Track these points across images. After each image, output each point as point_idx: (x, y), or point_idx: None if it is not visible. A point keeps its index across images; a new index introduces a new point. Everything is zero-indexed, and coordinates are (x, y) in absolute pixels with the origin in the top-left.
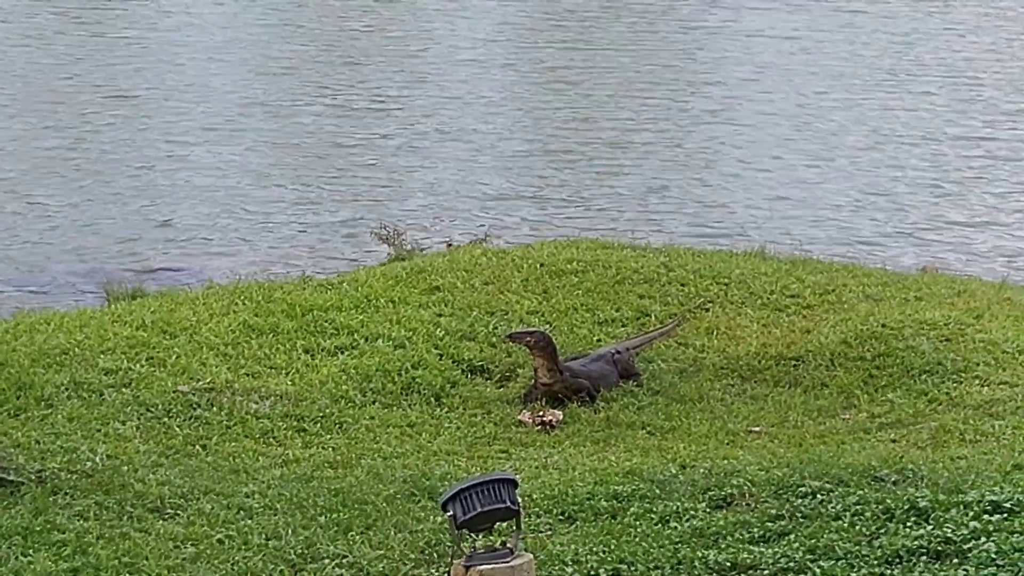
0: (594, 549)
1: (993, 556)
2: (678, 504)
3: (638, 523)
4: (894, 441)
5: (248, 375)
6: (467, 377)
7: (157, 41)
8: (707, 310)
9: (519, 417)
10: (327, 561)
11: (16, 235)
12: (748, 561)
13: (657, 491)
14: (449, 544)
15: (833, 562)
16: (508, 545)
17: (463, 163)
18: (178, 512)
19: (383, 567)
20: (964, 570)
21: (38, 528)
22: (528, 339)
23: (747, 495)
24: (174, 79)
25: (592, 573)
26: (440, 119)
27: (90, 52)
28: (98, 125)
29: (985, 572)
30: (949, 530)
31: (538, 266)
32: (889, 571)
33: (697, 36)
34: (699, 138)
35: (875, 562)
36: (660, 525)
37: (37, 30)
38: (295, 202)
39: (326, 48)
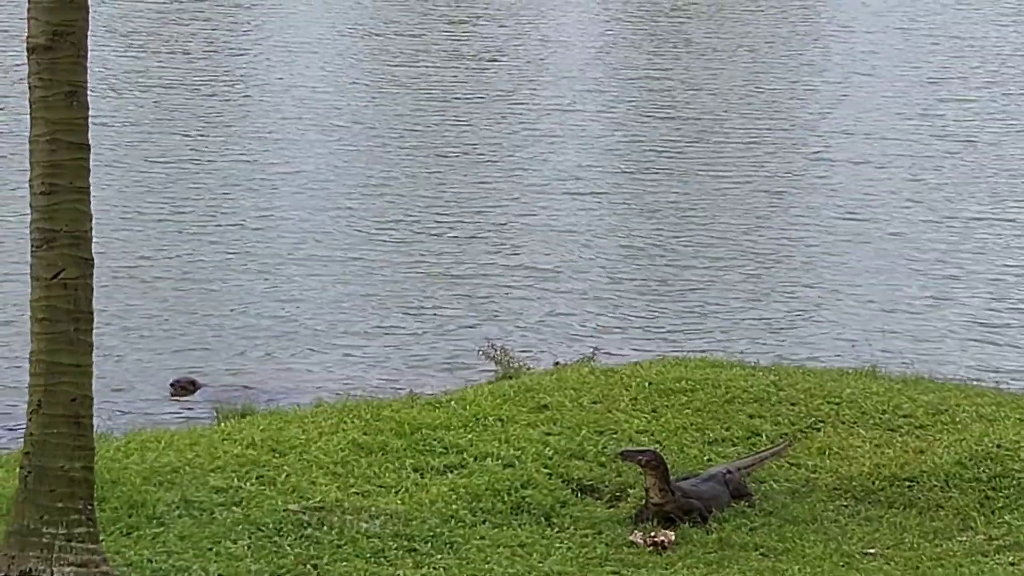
0: None
1: None
2: None
3: None
4: (1012, 564)
5: (358, 494)
6: (577, 496)
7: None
8: (818, 430)
9: (631, 538)
10: None
11: (131, 349)
12: None
13: None
14: None
15: None
16: None
17: (567, 277)
18: None
19: None
20: None
21: None
22: (640, 458)
23: None
24: (268, 202)
25: None
26: (542, 226)
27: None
28: (206, 235)
29: None
30: None
31: (647, 385)
32: None
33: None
34: (806, 251)
35: None
36: None
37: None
38: (399, 318)
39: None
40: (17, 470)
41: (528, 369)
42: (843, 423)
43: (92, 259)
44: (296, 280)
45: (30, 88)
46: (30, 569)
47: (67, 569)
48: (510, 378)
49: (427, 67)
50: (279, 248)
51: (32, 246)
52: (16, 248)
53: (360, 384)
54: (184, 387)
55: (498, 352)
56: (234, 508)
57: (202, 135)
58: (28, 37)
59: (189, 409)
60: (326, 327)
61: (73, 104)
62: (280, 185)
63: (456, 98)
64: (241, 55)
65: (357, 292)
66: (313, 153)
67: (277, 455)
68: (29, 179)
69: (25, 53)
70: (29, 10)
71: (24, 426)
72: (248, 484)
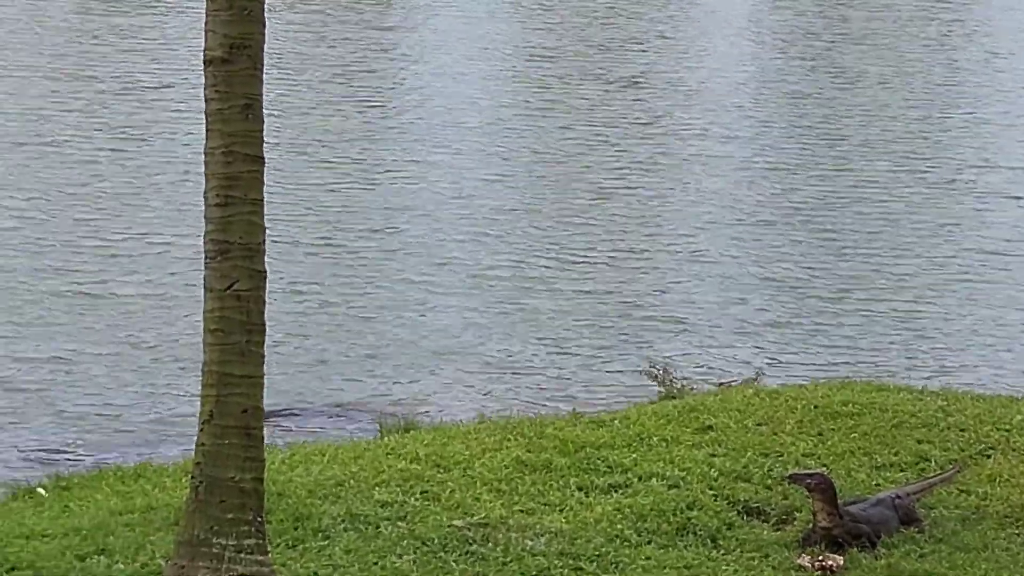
0: None
1: None
2: None
3: None
4: None
5: (522, 511)
6: (743, 519)
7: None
8: (988, 456)
9: (798, 561)
10: None
11: (288, 363)
12: None
13: None
14: None
15: None
16: None
17: (727, 300)
18: None
19: None
20: None
21: None
22: (809, 481)
23: None
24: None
25: None
26: (706, 244)
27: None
28: (362, 253)
29: None
30: None
31: (812, 408)
32: None
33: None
34: (961, 280)
35: None
36: None
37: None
38: (560, 338)
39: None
40: (187, 480)
41: (691, 389)
42: (1014, 450)
43: (265, 271)
44: (454, 298)
45: (206, 100)
46: None
47: None
48: (673, 398)
49: (576, 90)
50: (436, 266)
51: (206, 257)
52: (190, 260)
53: (521, 402)
54: None
55: (661, 372)
56: (399, 523)
57: (355, 156)
58: (205, 49)
59: (351, 424)
60: (485, 345)
61: (249, 116)
62: (434, 207)
63: (604, 122)
64: (391, 78)
65: (517, 312)
66: (465, 176)
67: (441, 471)
68: (204, 191)
69: (202, 66)
70: (207, 23)
71: (195, 437)
72: (412, 499)
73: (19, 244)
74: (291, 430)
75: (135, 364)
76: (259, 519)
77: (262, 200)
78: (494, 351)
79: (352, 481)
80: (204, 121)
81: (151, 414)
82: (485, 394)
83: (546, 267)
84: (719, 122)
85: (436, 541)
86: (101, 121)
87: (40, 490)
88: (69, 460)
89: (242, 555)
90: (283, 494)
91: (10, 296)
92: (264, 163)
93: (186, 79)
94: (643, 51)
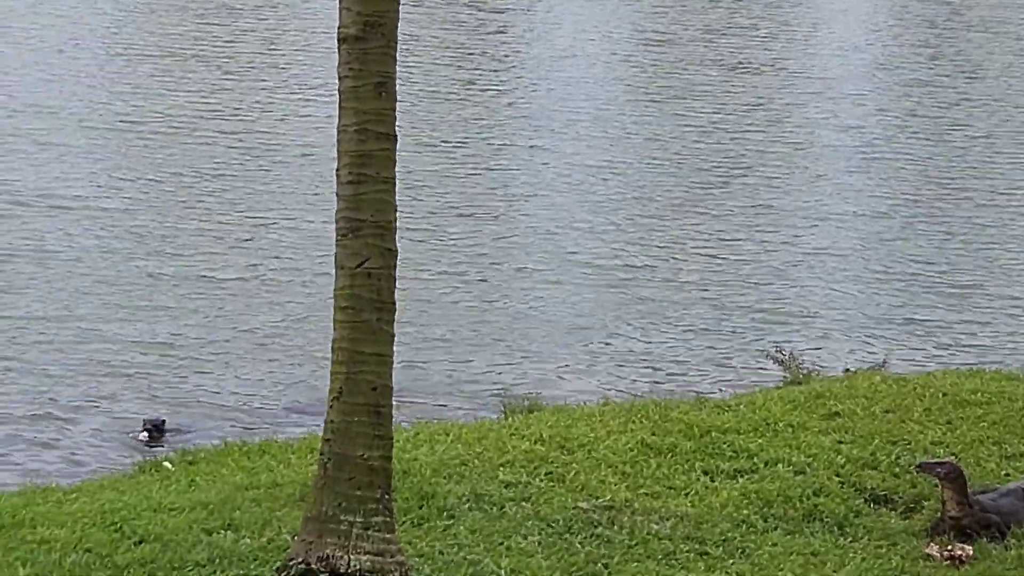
0: None
1: None
2: None
3: None
4: None
5: (647, 495)
6: (870, 507)
7: None
8: None
9: (926, 550)
10: None
11: (411, 342)
12: None
13: None
14: None
15: None
16: None
17: (853, 287)
18: None
19: None
20: None
21: None
22: (939, 470)
23: None
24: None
25: None
26: (825, 234)
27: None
28: (486, 236)
29: None
30: None
31: (941, 395)
32: None
33: None
34: None
35: None
36: None
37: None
38: (685, 322)
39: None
40: (313, 457)
41: (817, 375)
42: None
43: (396, 249)
44: (575, 284)
45: (340, 78)
46: (327, 555)
47: (363, 557)
48: (799, 383)
49: (692, 76)
50: (556, 252)
51: (337, 235)
52: (320, 238)
53: (643, 385)
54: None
55: (787, 357)
56: (523, 503)
57: (470, 139)
58: (339, 27)
59: (475, 404)
60: (607, 329)
61: (382, 95)
62: (552, 192)
63: (721, 108)
64: (505, 61)
65: (637, 299)
66: (582, 161)
67: (565, 452)
68: (336, 168)
69: (336, 44)
70: (341, 0)
71: (324, 413)
72: (537, 480)
73: (131, 227)
74: (416, 409)
75: (253, 345)
76: (387, 497)
77: (394, 179)
78: (616, 335)
79: (476, 461)
80: (337, 100)
81: (275, 395)
82: (607, 378)
83: (664, 255)
84: (837, 111)
85: (561, 523)
86: (215, 101)
87: (167, 464)
88: (192, 436)
89: (369, 532)
90: (408, 472)
91: (126, 279)
92: (396, 141)
93: (301, 59)
94: (762, 38)
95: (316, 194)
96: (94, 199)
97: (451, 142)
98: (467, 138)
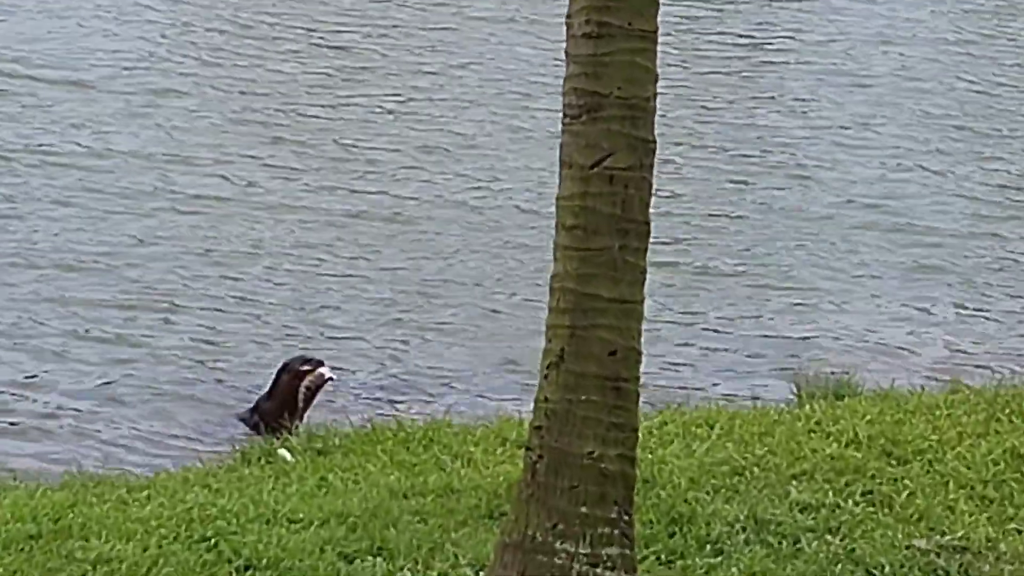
0: None
1: None
2: None
3: None
4: None
5: (1020, 532)
6: None
7: None
8: None
9: None
10: None
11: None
12: None
13: None
14: None
15: None
16: None
17: None
18: None
19: None
20: None
21: None
22: None
23: None
24: None
25: None
26: None
27: None
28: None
29: None
30: None
31: None
32: None
33: None
34: None
35: None
36: None
37: None
38: None
39: None
40: (509, 451)
41: None
42: None
43: (654, 141)
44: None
45: None
46: None
47: None
48: None
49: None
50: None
51: (564, 116)
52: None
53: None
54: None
55: None
56: (828, 537)
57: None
58: None
59: (752, 382)
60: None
61: None
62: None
63: None
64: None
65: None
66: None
67: (893, 462)
68: (566, 16)
69: None
70: None
71: (532, 388)
72: (850, 502)
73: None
74: (662, 386)
75: (413, 289)
76: (626, 517)
77: (654, 36)
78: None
79: (757, 469)
80: None
81: (447, 356)
82: (948, 352)
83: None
84: None
85: (887, 569)
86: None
87: (283, 453)
88: (321, 412)
89: (599, 570)
90: (652, 481)
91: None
92: None
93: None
94: None
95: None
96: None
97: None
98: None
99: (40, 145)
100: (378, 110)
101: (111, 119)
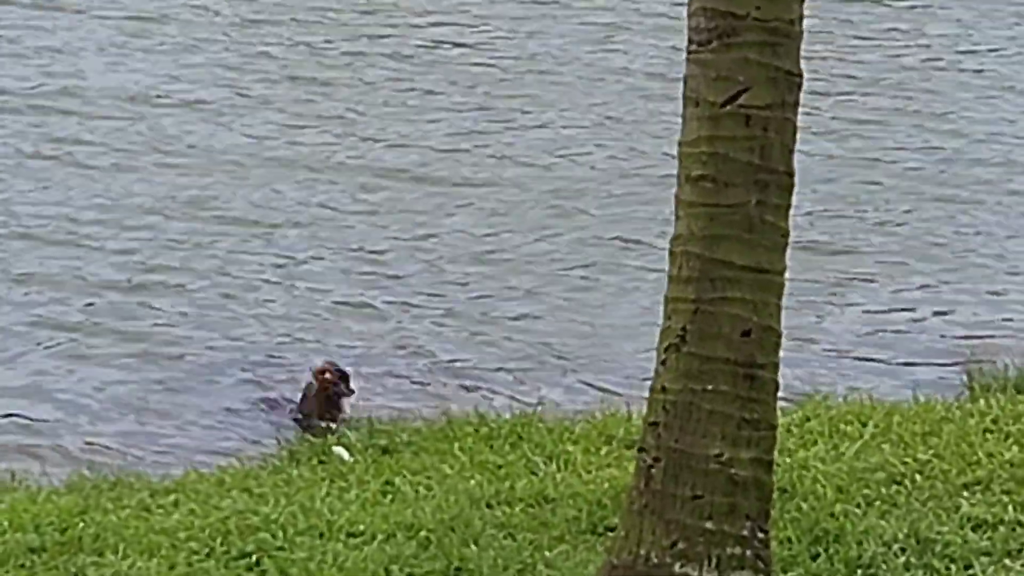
0: None
1: None
2: None
3: None
4: None
5: None
6: None
7: None
8: None
9: None
10: None
11: None
12: None
13: None
14: None
15: None
16: None
17: None
18: None
19: None
20: None
21: None
22: None
23: None
24: None
25: None
26: None
27: None
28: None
29: None
30: None
31: None
32: None
33: None
34: None
35: None
36: None
37: None
38: None
39: None
40: (614, 450)
41: None
42: None
43: (800, 75)
44: None
45: None
46: None
47: None
48: None
49: None
50: None
51: (690, 43)
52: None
53: None
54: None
55: None
56: (1008, 562)
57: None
58: None
59: (909, 369)
60: None
61: None
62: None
63: None
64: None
65: None
66: None
67: None
68: None
69: None
70: None
71: (641, 374)
72: None
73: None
74: (802, 372)
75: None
76: (760, 534)
77: None
78: None
79: (919, 477)
80: None
81: (539, 336)
82: None
83: None
84: None
85: None
86: None
87: (340, 451)
88: (381, 403)
89: None
90: (791, 491)
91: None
92: None
93: None
94: None
95: None
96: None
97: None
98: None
99: None
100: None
101: None
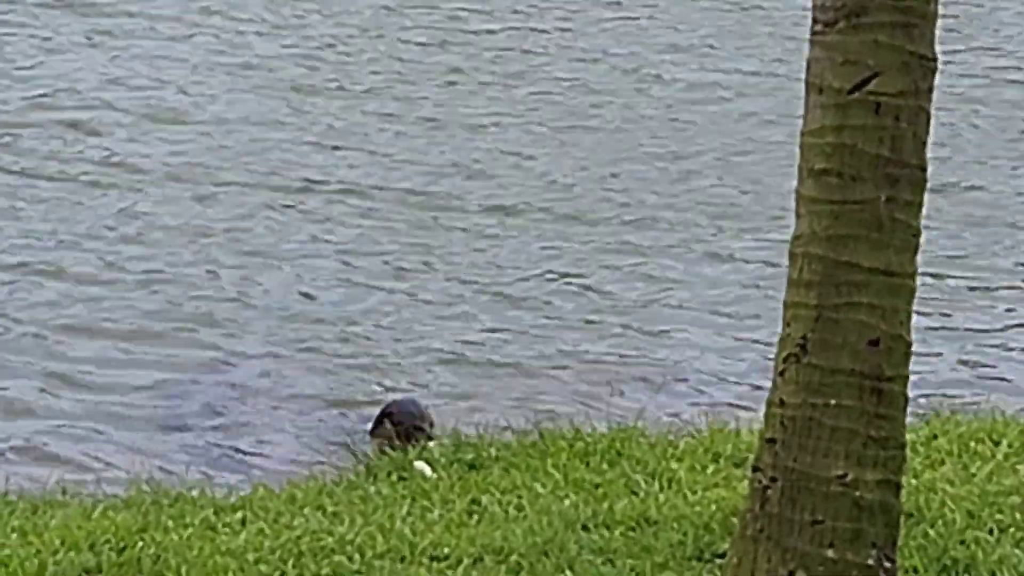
0: None
1: None
2: None
3: None
4: None
5: None
6: None
7: None
8: None
9: None
10: None
11: None
12: None
13: None
14: None
15: None
16: None
17: None
18: None
19: None
20: None
21: None
22: None
23: None
24: None
25: None
26: None
27: None
28: None
29: None
30: None
31: None
32: None
33: None
34: None
35: None
36: None
37: None
38: None
39: None
40: (730, 471)
41: None
42: None
43: (934, 59)
44: None
45: None
46: None
47: None
48: None
49: None
50: None
51: (813, 23)
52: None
53: None
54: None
55: None
56: None
57: None
58: None
59: None
60: None
61: None
62: None
63: None
64: None
65: None
66: None
67: None
68: None
69: None
70: None
71: (763, 387)
72: None
73: None
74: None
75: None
76: (887, 564)
77: None
78: None
79: None
80: None
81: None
82: None
83: None
84: None
85: None
86: None
87: (422, 466)
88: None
89: None
90: (917, 515)
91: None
92: None
93: None
94: None
95: None
96: None
97: None
98: None
99: None
100: None
101: None
